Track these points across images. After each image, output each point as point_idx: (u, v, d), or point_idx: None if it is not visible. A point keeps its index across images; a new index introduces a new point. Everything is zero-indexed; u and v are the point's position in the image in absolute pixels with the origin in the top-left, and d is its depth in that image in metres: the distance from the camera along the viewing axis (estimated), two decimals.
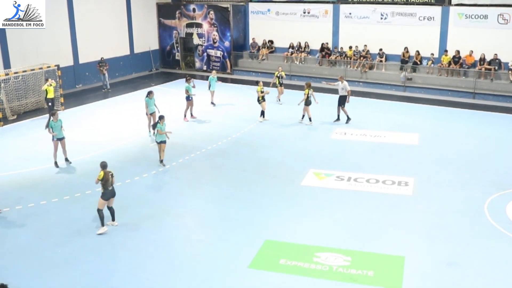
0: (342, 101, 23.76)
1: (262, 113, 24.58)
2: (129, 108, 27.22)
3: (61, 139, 19.06)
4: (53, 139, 19.00)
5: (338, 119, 23.99)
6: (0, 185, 17.67)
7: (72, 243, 13.96)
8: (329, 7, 33.31)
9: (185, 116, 24.89)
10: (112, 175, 14.22)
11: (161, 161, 19.17)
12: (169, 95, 29.68)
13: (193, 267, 12.78)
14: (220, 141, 21.75)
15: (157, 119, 20.56)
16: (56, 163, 19.20)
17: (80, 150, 20.56)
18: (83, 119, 25.45)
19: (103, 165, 14.25)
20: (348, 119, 23.85)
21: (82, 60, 32.50)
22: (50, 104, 25.46)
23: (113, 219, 14.72)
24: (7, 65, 28.02)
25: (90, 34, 32.77)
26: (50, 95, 25.29)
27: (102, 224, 14.36)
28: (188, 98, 24.36)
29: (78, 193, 16.94)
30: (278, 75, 27.42)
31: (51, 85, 25.19)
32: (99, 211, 14.23)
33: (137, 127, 23.65)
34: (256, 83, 24.89)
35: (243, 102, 27.64)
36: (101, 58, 31.73)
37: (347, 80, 30.22)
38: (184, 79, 25.53)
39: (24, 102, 26.87)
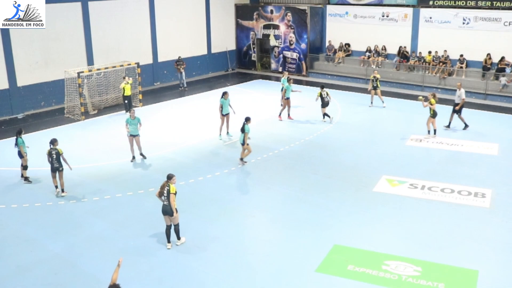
0: (457, 108, 23.13)
1: (325, 115, 24.72)
2: (204, 107, 27.67)
3: (135, 136, 19.58)
4: (128, 135, 19.58)
5: (448, 126, 23.38)
6: (79, 176, 18.40)
7: (144, 236, 14.35)
8: (409, 10, 32.60)
9: (280, 114, 25.18)
10: (168, 191, 13.27)
11: (241, 159, 19.39)
12: (244, 95, 29.96)
13: (260, 267, 12.84)
14: (293, 143, 21.74)
15: (226, 120, 21.00)
16: (133, 157, 19.82)
17: (155, 146, 21.10)
18: (159, 116, 26.10)
19: (168, 176, 13.57)
20: (466, 126, 23.27)
21: (161, 58, 33.36)
22: (126, 101, 26.24)
23: (178, 238, 13.86)
24: (90, 61, 29.17)
25: (170, 33, 33.59)
26: (127, 92, 26.07)
27: (168, 241, 13.75)
28: (287, 98, 24.64)
29: (152, 188, 17.38)
30: (372, 78, 26.97)
31: (128, 83, 25.98)
32: (166, 226, 13.70)
33: (211, 126, 24.01)
34: (321, 87, 24.69)
35: (317, 104, 27.45)
36: (179, 57, 32.44)
37: (426, 86, 29.49)
38: (287, 78, 25.52)
39: (104, 98, 27.88)
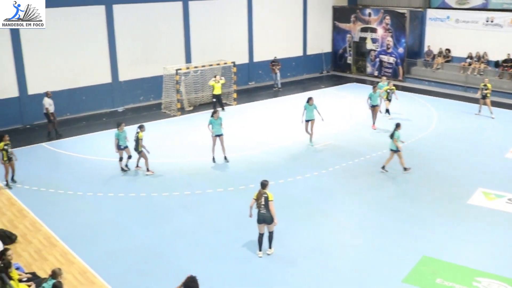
0: None
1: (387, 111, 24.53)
2: (298, 108, 27.63)
3: (219, 135, 19.81)
4: (212, 135, 19.83)
5: None
6: (172, 170, 18.99)
7: (230, 232, 14.59)
8: None
9: (374, 123, 24.17)
10: (266, 198, 12.87)
11: (405, 169, 18.82)
12: (338, 98, 29.73)
13: (345, 273, 12.70)
14: (386, 149, 21.24)
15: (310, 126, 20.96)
16: (213, 158, 19.97)
17: (248, 145, 21.36)
18: (252, 115, 26.41)
19: (262, 184, 13.20)
20: None
21: (256, 58, 33.73)
22: (214, 100, 26.67)
23: (269, 246, 13.44)
24: (188, 59, 30.00)
25: (266, 33, 33.88)
26: (217, 91, 26.50)
27: (259, 249, 13.40)
28: (373, 106, 23.84)
29: (242, 186, 17.63)
30: (482, 86, 25.89)
31: (218, 81, 26.40)
32: (259, 234, 13.33)
33: (303, 128, 23.98)
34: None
35: (413, 111, 26.81)
36: (274, 57, 32.66)
37: None
38: (372, 87, 24.61)
39: (200, 95, 28.57)
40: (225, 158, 20.02)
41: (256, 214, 13.10)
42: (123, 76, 27.98)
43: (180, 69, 26.80)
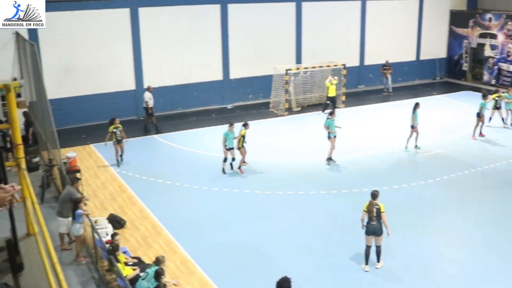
0: None
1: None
2: (407, 114, 26.89)
3: (335, 136, 19.66)
4: (329, 137, 19.65)
5: None
6: (276, 169, 19.14)
7: (331, 236, 14.47)
8: None
9: (473, 134, 22.99)
10: (378, 210, 12.50)
11: None
12: (451, 106, 28.63)
13: (446, 286, 12.20)
14: (500, 161, 20.18)
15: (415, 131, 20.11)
16: (330, 158, 19.78)
17: (353, 148, 21.05)
18: (360, 119, 26.01)
19: (372, 194, 12.87)
20: None
21: (367, 61, 33.18)
22: (329, 102, 26.55)
23: (377, 260, 12.94)
24: (298, 60, 30.08)
25: (378, 37, 33.21)
26: (331, 93, 26.36)
27: (365, 262, 12.91)
28: (479, 115, 22.62)
29: (345, 189, 17.44)
30: None
31: (331, 83, 26.26)
32: (366, 247, 12.89)
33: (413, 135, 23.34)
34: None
35: None
36: (386, 61, 31.96)
37: None
38: (481, 95, 23.46)
39: (308, 96, 28.57)
40: (330, 159, 19.88)
41: (366, 225, 12.68)
42: (234, 74, 28.57)
43: (290, 69, 26.95)
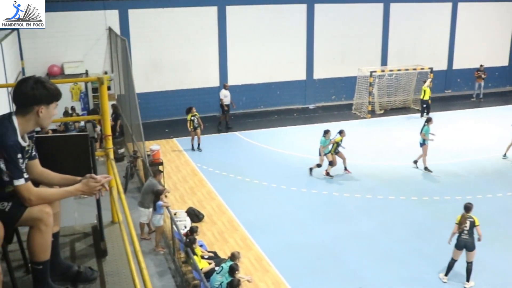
0: None
1: None
2: (497, 122, 25.83)
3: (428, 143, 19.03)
4: (423, 144, 19.00)
5: None
6: (356, 172, 18.89)
7: (409, 243, 14.15)
8: None
9: None
10: (472, 223, 11.94)
11: None
12: None
13: None
14: None
15: None
16: (426, 168, 19.14)
17: (437, 155, 20.40)
18: (446, 125, 25.14)
19: (466, 207, 12.30)
20: None
21: (456, 65, 32.09)
22: (424, 106, 25.91)
23: (467, 279, 12.22)
24: (384, 62, 29.56)
25: (469, 40, 31.98)
26: (426, 96, 25.73)
27: (446, 273, 12.43)
28: None
29: (426, 196, 16.99)
30: None
31: (429, 86, 25.63)
32: (451, 259, 12.35)
33: (502, 142, 22.37)
34: None
35: None
36: (481, 65, 30.67)
37: None
38: None
39: (392, 99, 28.01)
40: (426, 168, 19.14)
41: (456, 239, 12.19)
42: (317, 74, 28.47)
43: (375, 71, 26.55)
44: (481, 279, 12.51)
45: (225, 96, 23.71)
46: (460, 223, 12.05)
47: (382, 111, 27.40)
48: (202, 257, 12.20)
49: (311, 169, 18.60)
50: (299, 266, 13.02)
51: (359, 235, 14.56)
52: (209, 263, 11.96)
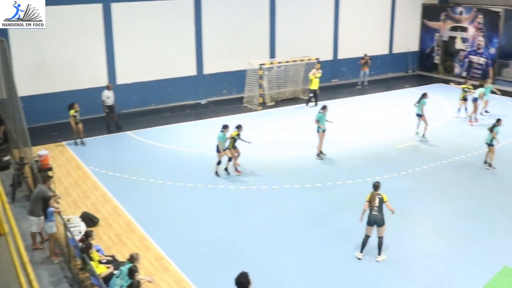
0: None
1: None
2: (380, 108, 27.19)
3: (324, 130, 19.76)
4: (318, 131, 19.72)
5: None
6: (249, 164, 19.12)
7: (306, 230, 14.54)
8: None
9: (470, 119, 24.49)
10: (381, 200, 12.72)
11: (489, 165, 19.05)
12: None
13: (422, 278, 12.37)
14: (471, 152, 20.51)
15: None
16: (319, 153, 19.86)
17: (328, 143, 21.11)
18: (334, 113, 26.02)
19: (374, 185, 13.04)
20: None
21: (340, 55, 33.36)
22: (311, 95, 26.67)
23: (378, 253, 13.03)
24: (272, 54, 30.10)
25: (352, 30, 33.38)
26: (314, 86, 26.47)
27: (361, 250, 13.11)
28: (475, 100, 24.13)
29: (319, 183, 17.54)
30: None
31: (315, 76, 26.39)
32: (365, 236, 13.03)
33: (385, 128, 23.57)
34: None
35: (503, 114, 25.62)
36: (365, 54, 32.06)
37: None
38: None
39: (282, 91, 28.60)
40: (321, 152, 19.99)
41: (367, 216, 12.84)
42: (207, 69, 28.47)
43: (264, 64, 26.95)
44: (390, 251, 13.16)
45: (108, 97, 22.94)
46: (370, 201, 12.75)
47: (273, 103, 27.90)
48: (100, 262, 11.86)
49: (216, 172, 18.39)
50: (201, 262, 12.99)
51: (258, 226, 14.76)
52: (108, 268, 11.65)
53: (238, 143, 18.42)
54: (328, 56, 32.69)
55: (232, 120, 22.31)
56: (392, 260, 13.08)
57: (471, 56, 34.53)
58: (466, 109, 25.11)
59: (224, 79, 29.09)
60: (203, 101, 28.31)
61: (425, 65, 37.48)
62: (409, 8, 36.36)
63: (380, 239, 12.92)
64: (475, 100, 24.27)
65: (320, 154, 19.86)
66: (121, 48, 25.80)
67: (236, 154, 18.43)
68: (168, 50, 27.03)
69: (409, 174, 18.43)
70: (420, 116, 21.90)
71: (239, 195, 16.76)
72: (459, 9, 34.94)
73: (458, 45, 35.23)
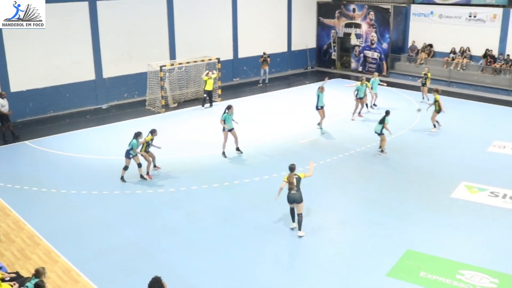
0: None
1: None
2: (282, 105, 27.72)
3: (230, 129, 19.92)
4: (223, 130, 19.86)
5: None
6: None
7: (216, 229, 14.58)
8: (499, 11, 31.25)
9: (359, 112, 25.40)
10: (298, 179, 13.93)
11: (382, 151, 20.26)
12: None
13: (330, 267, 12.77)
14: (370, 144, 21.41)
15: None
16: (224, 153, 20.07)
17: (232, 141, 21.29)
18: (237, 111, 26.24)
19: (290, 168, 14.11)
20: None
21: (241, 54, 33.69)
22: (205, 96, 26.75)
23: (299, 229, 14.14)
24: (173, 56, 29.90)
25: (251, 29, 33.84)
26: (208, 87, 26.54)
27: (293, 220, 14.43)
28: (360, 98, 24.84)
29: (227, 182, 17.64)
30: (423, 75, 27.59)
31: (210, 77, 26.44)
32: (290, 208, 14.31)
33: (289, 123, 24.06)
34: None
35: (397, 106, 26.93)
36: (264, 52, 32.59)
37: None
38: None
39: (184, 92, 28.48)
40: (238, 149, 20.25)
41: (286, 195, 13.92)
42: (107, 73, 27.80)
43: (164, 66, 26.70)
44: (272, 242, 13.62)
45: (2, 105, 21.93)
46: (289, 181, 13.81)
47: (175, 104, 27.72)
48: (3, 280, 11.30)
49: (122, 177, 17.97)
50: (112, 270, 12.70)
51: (168, 229, 14.63)
52: (12, 286, 11.13)
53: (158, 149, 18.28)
54: (228, 55, 32.93)
55: (135, 123, 21.97)
56: (300, 251, 13.43)
57: (366, 51, 36.02)
58: (366, 105, 26.00)
59: (125, 82, 28.55)
60: (104, 106, 27.62)
61: (323, 61, 38.67)
62: (305, 6, 37.36)
63: (300, 216, 13.98)
64: (360, 97, 25.04)
65: (236, 150, 20.24)
66: (13, 54, 24.60)
67: (150, 158, 18.16)
68: (64, 54, 26.11)
69: (315, 168, 18.88)
70: (321, 108, 22.67)
71: (147, 199, 16.53)
72: (352, 6, 36.31)
73: (353, 41, 36.64)
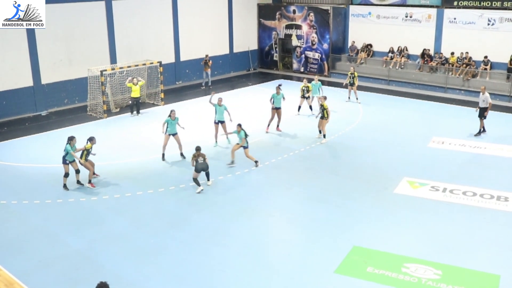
0: (481, 113, 22.63)
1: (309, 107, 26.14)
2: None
3: (174, 134, 19.87)
4: (165, 133, 19.81)
5: (479, 132, 22.71)
6: (100, 173, 18.54)
7: (164, 234, 14.44)
8: (433, 11, 32.29)
9: (277, 126, 23.74)
10: (204, 158, 16.96)
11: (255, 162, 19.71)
12: (265, 95, 29.91)
13: (279, 267, 12.85)
14: (314, 143, 21.69)
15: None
16: (163, 155, 19.99)
17: (175, 144, 21.13)
18: (180, 115, 26.09)
19: (197, 148, 16.90)
20: (480, 132, 22.62)
21: (183, 57, 33.51)
22: (130, 103, 26.28)
23: (207, 179, 17.48)
24: (113, 60, 29.41)
25: (192, 32, 33.71)
26: (135, 94, 25.90)
27: (198, 185, 17.06)
28: (276, 108, 23.22)
29: (172, 186, 17.50)
30: (350, 74, 28.10)
31: (136, 84, 25.72)
32: (194, 180, 17.00)
33: (233, 125, 24.03)
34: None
35: (339, 105, 27.39)
36: (206, 55, 32.54)
37: (449, 88, 29.39)
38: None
39: (127, 96, 28.03)
40: (182, 154, 20.12)
41: (195, 166, 16.74)
42: (45, 79, 27.07)
43: (105, 70, 26.23)
44: (228, 248, 13.45)
45: None
46: (196, 157, 16.81)
47: (118, 109, 27.29)
48: None
49: (79, 181, 17.61)
50: (57, 280, 12.37)
51: (114, 236, 14.38)
52: None
53: (94, 157, 17.90)
54: (170, 58, 32.70)
55: (77, 130, 21.50)
56: (249, 252, 13.44)
57: (307, 52, 36.46)
58: (310, 107, 26.11)
59: (65, 88, 27.89)
60: (43, 113, 26.90)
61: (265, 63, 38.91)
62: (246, 8, 37.51)
63: (207, 173, 17.35)
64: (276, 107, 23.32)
65: (182, 154, 20.19)
66: None
67: (91, 166, 17.75)
68: None
69: (259, 169, 19.04)
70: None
71: (92, 207, 16.19)
72: (292, 7, 36.70)
73: (294, 42, 37.04)
